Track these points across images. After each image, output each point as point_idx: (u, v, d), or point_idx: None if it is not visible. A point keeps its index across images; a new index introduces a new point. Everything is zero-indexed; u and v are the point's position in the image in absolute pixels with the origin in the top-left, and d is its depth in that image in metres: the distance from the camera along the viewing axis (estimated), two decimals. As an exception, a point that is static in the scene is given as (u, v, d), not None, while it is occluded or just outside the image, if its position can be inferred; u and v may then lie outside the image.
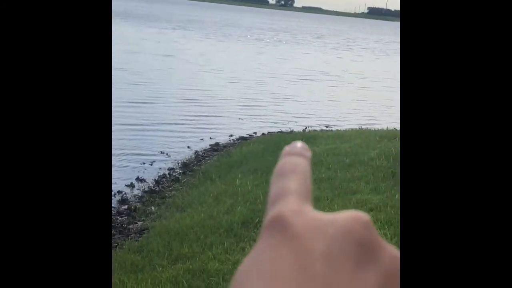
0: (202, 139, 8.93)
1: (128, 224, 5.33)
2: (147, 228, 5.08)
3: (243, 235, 4.44)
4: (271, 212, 0.26)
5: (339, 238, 0.24)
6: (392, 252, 0.25)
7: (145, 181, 6.77)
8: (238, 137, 9.23)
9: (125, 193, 6.26)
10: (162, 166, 7.40)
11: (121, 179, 6.62)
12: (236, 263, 3.81)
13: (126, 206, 5.80)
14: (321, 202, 4.79)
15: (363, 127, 10.35)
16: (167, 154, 7.96)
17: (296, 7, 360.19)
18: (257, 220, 4.63)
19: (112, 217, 5.43)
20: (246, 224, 4.65)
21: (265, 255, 0.23)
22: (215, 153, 8.15)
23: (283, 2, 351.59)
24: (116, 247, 4.60)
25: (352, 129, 9.91)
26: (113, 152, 6.63)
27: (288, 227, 0.24)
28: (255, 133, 9.61)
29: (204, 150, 8.37)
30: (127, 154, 7.53)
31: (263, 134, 9.48)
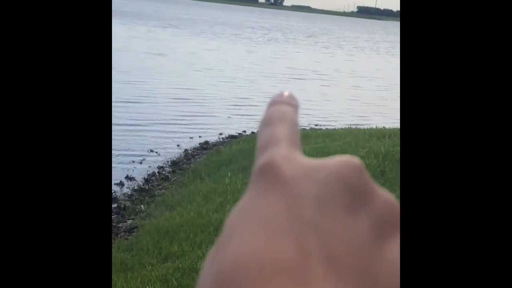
0: (192, 138, 8.91)
1: (118, 222, 5.31)
2: (137, 227, 5.07)
3: (233, 233, 4.43)
4: (261, 158, 0.25)
5: (331, 183, 0.23)
6: (385, 196, 0.24)
7: (134, 179, 6.74)
8: (227, 136, 9.22)
9: (115, 192, 6.23)
10: (152, 164, 7.37)
11: (110, 177, 6.59)
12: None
13: (115, 205, 5.78)
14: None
15: (354, 126, 10.35)
16: (156, 152, 7.93)
17: (285, 6, 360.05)
18: (246, 219, 4.63)
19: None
20: (236, 222, 4.66)
21: (256, 201, 0.23)
22: (204, 151, 8.14)
23: (272, 1, 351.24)
24: (105, 246, 4.58)
25: (341, 128, 9.94)
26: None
27: (279, 173, 0.24)
28: (244, 131, 9.61)
29: (194, 148, 8.36)
30: (117, 153, 7.50)
31: (252, 132, 9.47)
